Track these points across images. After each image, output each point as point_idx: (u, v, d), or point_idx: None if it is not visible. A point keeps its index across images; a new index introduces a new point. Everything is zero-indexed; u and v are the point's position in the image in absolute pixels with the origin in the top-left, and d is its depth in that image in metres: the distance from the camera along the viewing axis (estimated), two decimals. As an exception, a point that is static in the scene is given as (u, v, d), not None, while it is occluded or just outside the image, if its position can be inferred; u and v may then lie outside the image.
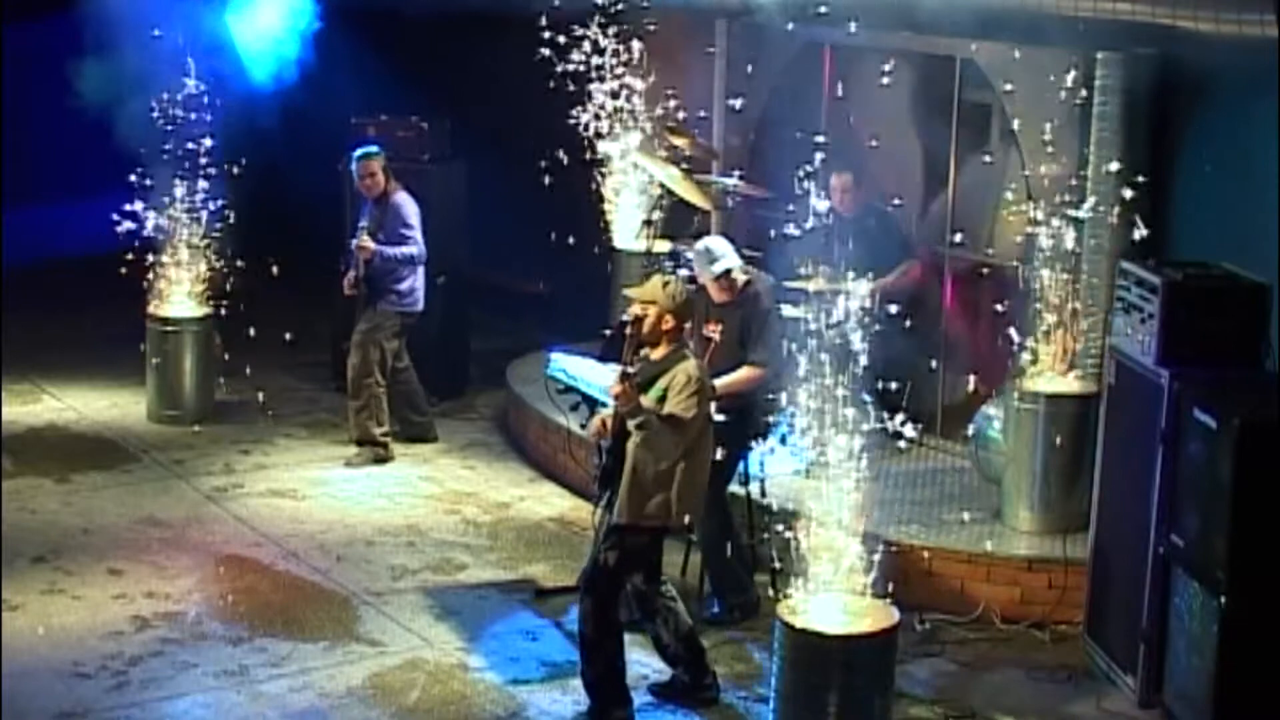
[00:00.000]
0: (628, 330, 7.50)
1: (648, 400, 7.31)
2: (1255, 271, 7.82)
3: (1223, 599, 7.04)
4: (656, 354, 7.48)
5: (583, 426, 8.88)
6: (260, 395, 11.86)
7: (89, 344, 13.18)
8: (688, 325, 7.66)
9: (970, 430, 9.60)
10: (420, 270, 10.76)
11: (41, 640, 8.17)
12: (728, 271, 8.64)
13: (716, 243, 8.84)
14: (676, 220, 10.83)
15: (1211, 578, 7.15)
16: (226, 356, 11.88)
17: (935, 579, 8.72)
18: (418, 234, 10.67)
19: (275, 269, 11.67)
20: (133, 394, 11.91)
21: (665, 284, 7.51)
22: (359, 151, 10.78)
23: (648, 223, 10.72)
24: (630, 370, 7.27)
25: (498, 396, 11.96)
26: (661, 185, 10.62)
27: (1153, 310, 7.66)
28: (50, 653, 8.03)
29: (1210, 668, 7.13)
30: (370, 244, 10.51)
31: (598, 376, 8.39)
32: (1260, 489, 6.94)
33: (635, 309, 7.50)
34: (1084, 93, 9.29)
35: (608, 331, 9.98)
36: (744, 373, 8.47)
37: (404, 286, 10.70)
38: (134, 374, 11.86)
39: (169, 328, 11.52)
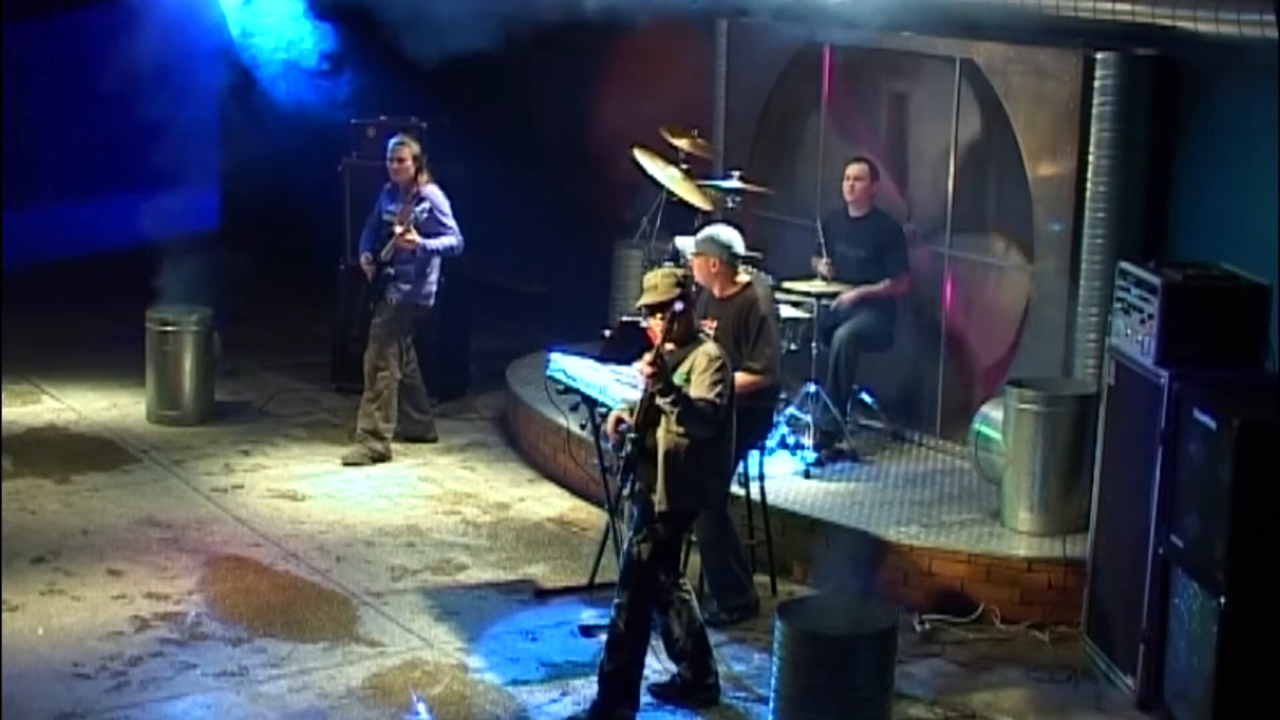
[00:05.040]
0: (626, 329, 7.53)
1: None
2: (1255, 271, 7.82)
3: (1222, 600, 7.04)
4: (674, 345, 7.49)
5: (582, 427, 8.88)
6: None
7: (89, 344, 13.18)
8: (698, 314, 7.68)
9: (970, 431, 9.58)
10: (438, 263, 10.76)
11: (41, 641, 8.17)
12: (695, 252, 8.62)
13: (713, 229, 8.79)
14: (676, 220, 10.83)
15: (1211, 578, 7.15)
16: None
17: (935, 579, 8.72)
18: (454, 224, 10.69)
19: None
20: (133, 394, 11.91)
21: (653, 280, 7.47)
22: (395, 139, 10.83)
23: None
24: (661, 350, 7.28)
25: (497, 397, 11.95)
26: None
27: (1152, 311, 7.66)
28: (50, 653, 8.03)
29: (1210, 668, 7.13)
30: (416, 236, 10.49)
31: (597, 377, 8.39)
32: (1260, 490, 6.94)
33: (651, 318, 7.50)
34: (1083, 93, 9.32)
35: (608, 332, 9.98)
36: (740, 377, 8.44)
37: (426, 279, 10.71)
38: (134, 374, 11.86)
39: (169, 328, 11.52)
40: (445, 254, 10.71)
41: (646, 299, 7.47)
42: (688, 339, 7.50)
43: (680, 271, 7.73)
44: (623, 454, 7.52)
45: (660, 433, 7.37)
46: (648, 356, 7.29)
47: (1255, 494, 6.95)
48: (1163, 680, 7.58)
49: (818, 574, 8.95)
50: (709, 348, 7.45)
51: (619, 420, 7.72)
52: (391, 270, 10.62)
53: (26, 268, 13.77)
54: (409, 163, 10.69)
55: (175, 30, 12.25)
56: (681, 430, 7.30)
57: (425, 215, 10.53)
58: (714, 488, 7.61)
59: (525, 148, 13.77)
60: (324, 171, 12.18)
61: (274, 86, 12.04)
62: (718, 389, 7.31)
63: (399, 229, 10.52)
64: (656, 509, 7.39)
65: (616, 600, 7.50)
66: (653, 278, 7.52)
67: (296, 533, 9.66)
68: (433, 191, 10.70)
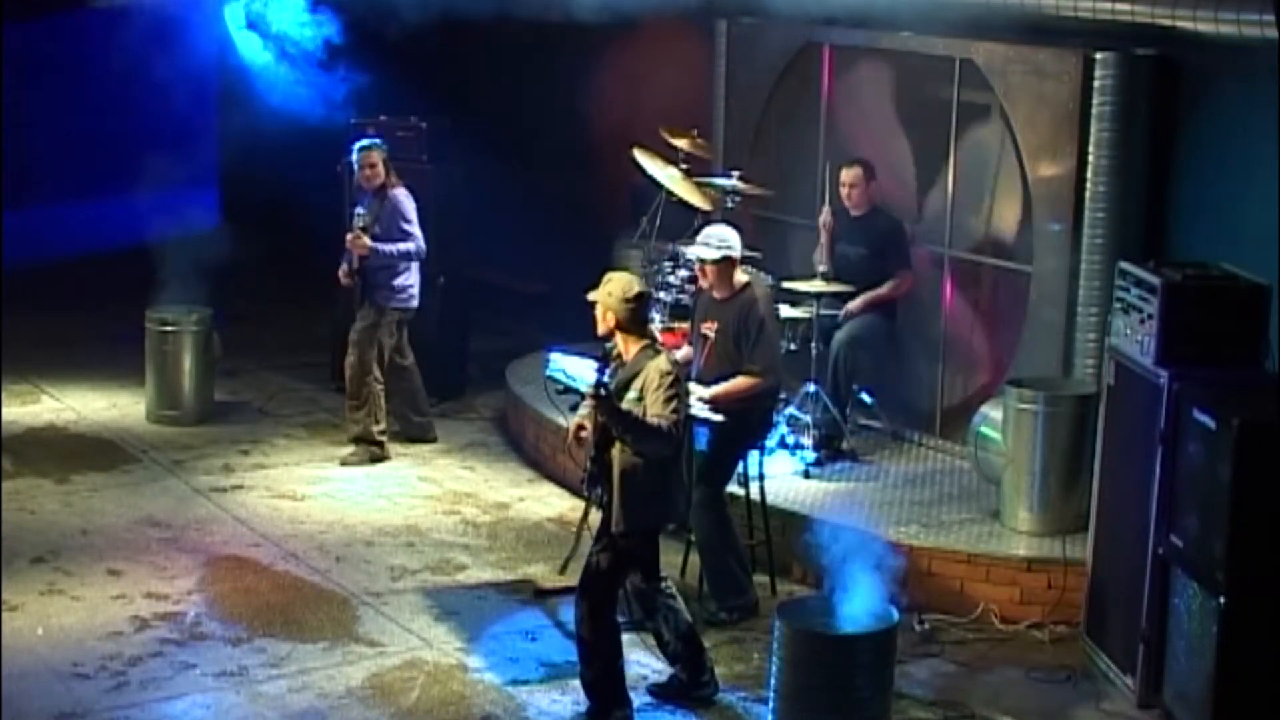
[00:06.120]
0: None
1: (626, 405, 7.28)
2: (1255, 271, 7.82)
3: (1222, 600, 7.04)
4: (626, 354, 7.46)
5: (582, 427, 8.87)
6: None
7: (89, 344, 13.17)
8: (647, 324, 7.60)
9: (969, 431, 9.57)
10: (416, 267, 10.75)
11: (40, 641, 8.16)
12: (720, 260, 8.54)
13: (715, 229, 8.76)
14: (676, 221, 10.82)
15: (1210, 578, 7.14)
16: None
17: (935, 579, 8.72)
18: (416, 229, 10.66)
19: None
20: (132, 394, 11.91)
21: (607, 281, 7.49)
22: (361, 143, 10.81)
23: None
24: (604, 380, 7.25)
25: (497, 397, 11.95)
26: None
27: (1152, 311, 7.66)
28: (49, 653, 8.02)
29: (1209, 668, 7.13)
30: (366, 241, 10.50)
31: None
32: (1259, 489, 6.94)
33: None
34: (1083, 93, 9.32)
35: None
36: (740, 381, 8.44)
37: (399, 282, 10.69)
38: (134, 374, 11.86)
39: (168, 328, 11.51)
40: (402, 259, 10.66)
41: (601, 326, 7.45)
42: (644, 349, 7.42)
43: (629, 293, 7.42)
44: (584, 467, 7.52)
45: (615, 451, 7.34)
46: (590, 388, 7.27)
47: (1255, 494, 6.95)
48: (1162, 680, 7.58)
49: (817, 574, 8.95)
50: (660, 363, 7.35)
51: (579, 428, 7.64)
52: (358, 278, 10.62)
53: (26, 268, 13.77)
54: (380, 167, 10.66)
55: (175, 31, 12.26)
56: (636, 449, 7.28)
57: (362, 220, 10.49)
58: (675, 502, 7.52)
59: (525, 148, 13.78)
60: (324, 171, 12.18)
61: (274, 86, 12.05)
62: (672, 404, 7.24)
63: (349, 236, 10.53)
64: (613, 528, 7.39)
65: (578, 612, 7.49)
66: (605, 297, 7.42)
67: (296, 533, 9.66)
68: (397, 195, 10.67)
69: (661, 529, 7.66)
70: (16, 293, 12.99)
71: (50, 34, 14.14)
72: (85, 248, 14.37)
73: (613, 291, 7.41)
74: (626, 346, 7.46)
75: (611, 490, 7.36)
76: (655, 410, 7.23)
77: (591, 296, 7.50)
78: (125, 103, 14.27)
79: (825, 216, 10.26)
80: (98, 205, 14.47)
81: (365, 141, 10.80)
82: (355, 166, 10.73)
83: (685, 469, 7.54)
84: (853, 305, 10.10)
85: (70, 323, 13.72)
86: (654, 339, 7.56)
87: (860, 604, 7.28)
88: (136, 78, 12.62)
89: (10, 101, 14.14)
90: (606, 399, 7.20)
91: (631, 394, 7.32)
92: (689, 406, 7.65)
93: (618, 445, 7.31)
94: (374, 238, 10.54)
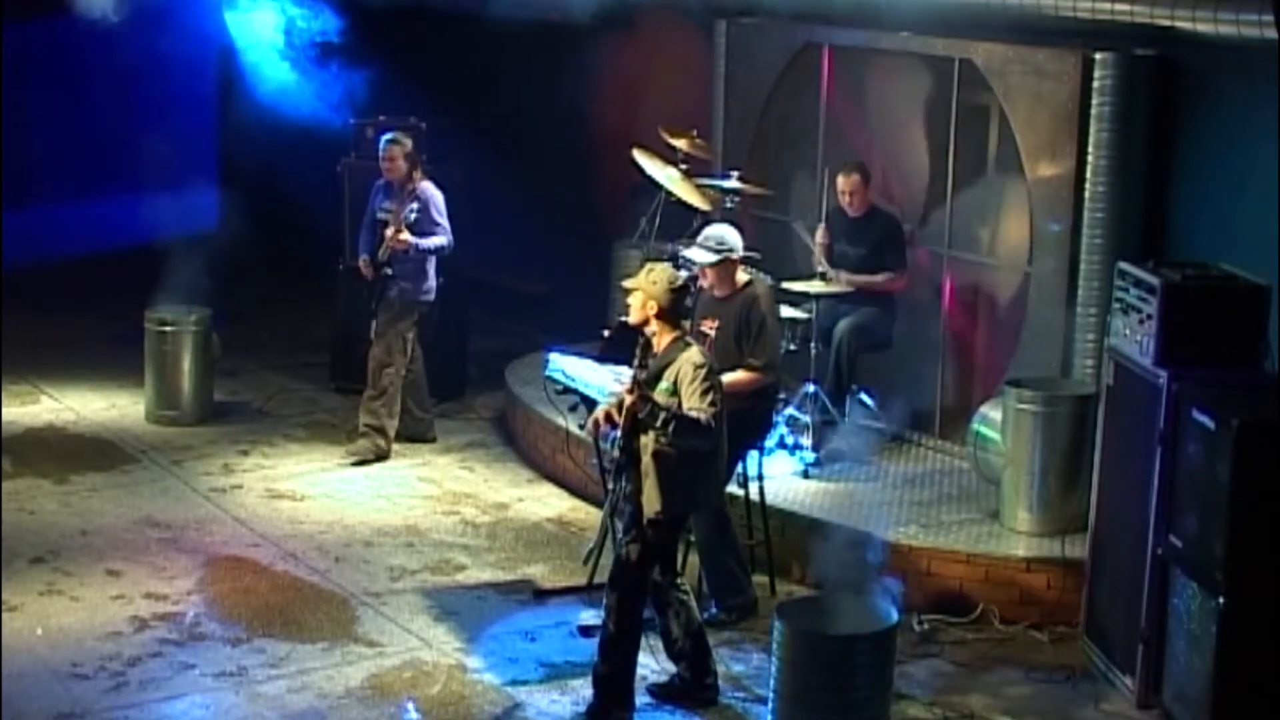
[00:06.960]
0: (625, 329, 7.50)
1: (659, 396, 7.27)
2: (1255, 271, 7.81)
3: (1221, 600, 7.04)
4: (659, 345, 7.45)
5: (581, 427, 8.88)
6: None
7: (89, 344, 13.18)
8: (684, 317, 7.60)
9: (969, 431, 9.57)
10: (434, 260, 10.77)
11: (40, 641, 8.16)
12: (718, 261, 8.53)
13: (713, 230, 8.75)
14: (676, 221, 10.82)
15: (1210, 579, 7.14)
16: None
17: (934, 579, 8.72)
18: (446, 223, 10.69)
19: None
20: (131, 394, 11.91)
21: (649, 270, 7.50)
22: (386, 135, 10.85)
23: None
24: (640, 377, 7.24)
25: (496, 397, 11.95)
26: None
27: (1151, 311, 7.66)
28: (48, 654, 8.02)
29: (1209, 669, 7.13)
30: (408, 236, 10.50)
31: (596, 377, 8.37)
32: (1259, 490, 6.94)
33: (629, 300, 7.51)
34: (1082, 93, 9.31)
35: (607, 332, 9.99)
36: (741, 374, 8.43)
37: (425, 276, 10.71)
38: (133, 374, 11.86)
39: (167, 328, 11.51)
40: (436, 253, 10.70)
41: (637, 314, 7.47)
42: (675, 340, 7.44)
43: (675, 282, 7.46)
44: (611, 456, 7.50)
45: (645, 439, 7.32)
46: (627, 384, 7.27)
47: (1254, 494, 6.95)
48: (1162, 680, 7.58)
49: (816, 574, 8.95)
50: (693, 355, 7.35)
51: (608, 416, 7.66)
52: (390, 270, 10.63)
53: (26, 268, 13.77)
54: (400, 160, 10.70)
55: (176, 31, 12.25)
56: (675, 443, 7.26)
57: (415, 215, 10.54)
58: (706, 491, 7.55)
59: (525, 148, 13.77)
60: (323, 172, 12.18)
61: (273, 86, 12.05)
62: (710, 397, 7.24)
63: (390, 230, 10.54)
64: (645, 515, 7.37)
65: (606, 602, 7.49)
66: (649, 285, 7.43)
67: (295, 533, 9.66)
68: (427, 189, 10.70)
69: (685, 520, 7.65)
70: (16, 293, 12.99)
71: (50, 34, 14.13)
72: (85, 248, 14.37)
73: (657, 280, 7.40)
74: (661, 336, 7.44)
75: (639, 479, 7.35)
76: (693, 404, 7.21)
77: (630, 284, 7.51)
78: (125, 103, 14.26)
79: (822, 237, 10.21)
80: (98, 205, 14.47)
81: (390, 135, 10.85)
82: (380, 157, 10.76)
83: (723, 462, 7.56)
84: (843, 277, 10.07)
85: (70, 323, 13.72)
86: (685, 331, 7.56)
87: (859, 602, 7.29)
88: (136, 78, 12.62)
89: (10, 101, 14.13)
90: (646, 395, 7.19)
91: (664, 384, 7.31)
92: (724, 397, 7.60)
93: (649, 433, 7.29)
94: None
